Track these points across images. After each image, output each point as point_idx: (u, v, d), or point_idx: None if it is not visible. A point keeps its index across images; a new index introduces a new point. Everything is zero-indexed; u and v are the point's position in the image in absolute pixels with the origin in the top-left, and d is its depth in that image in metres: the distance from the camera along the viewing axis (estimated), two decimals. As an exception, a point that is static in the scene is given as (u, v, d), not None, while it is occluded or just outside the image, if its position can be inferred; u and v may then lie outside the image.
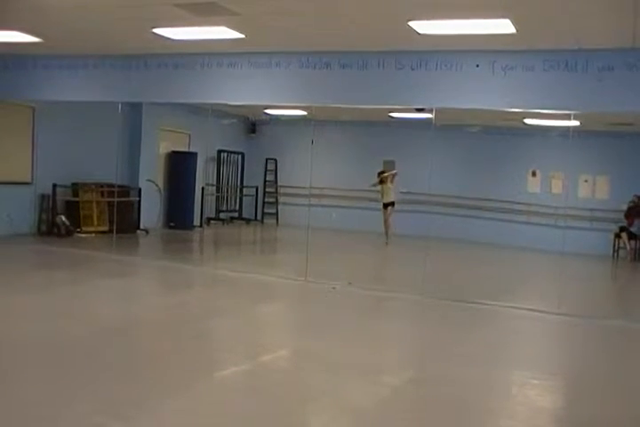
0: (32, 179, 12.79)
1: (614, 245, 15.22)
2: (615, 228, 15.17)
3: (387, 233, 15.04)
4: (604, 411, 4.96)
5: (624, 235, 14.98)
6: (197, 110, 13.87)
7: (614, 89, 7.81)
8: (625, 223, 14.99)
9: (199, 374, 5.22)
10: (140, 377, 5.00)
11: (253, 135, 19.10)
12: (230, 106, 12.86)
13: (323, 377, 5.36)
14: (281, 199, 18.60)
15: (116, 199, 12.89)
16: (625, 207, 15.05)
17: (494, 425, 4.64)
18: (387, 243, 14.95)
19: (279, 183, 18.68)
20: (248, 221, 18.56)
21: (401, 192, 15.64)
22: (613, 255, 15.21)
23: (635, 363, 6.48)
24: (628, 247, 15.01)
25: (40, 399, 4.39)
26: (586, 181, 15.74)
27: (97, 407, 4.29)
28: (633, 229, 14.96)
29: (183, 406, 4.47)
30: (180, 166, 15.89)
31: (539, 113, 9.67)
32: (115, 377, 4.94)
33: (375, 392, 5.05)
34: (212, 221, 17.09)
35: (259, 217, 18.91)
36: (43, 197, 12.93)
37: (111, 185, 13.20)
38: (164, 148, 15.85)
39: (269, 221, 18.78)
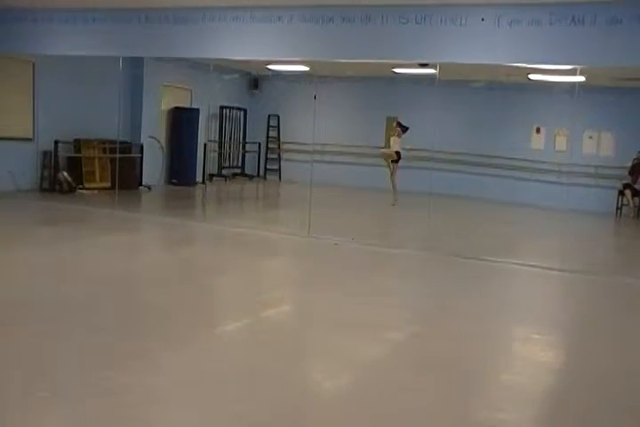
0: (33, 135, 12.72)
1: (618, 202, 15.19)
2: (619, 185, 15.13)
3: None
4: (605, 365, 5.01)
5: (628, 192, 14.91)
6: (199, 66, 13.69)
7: (622, 42, 7.68)
8: (629, 180, 14.93)
9: (202, 328, 5.26)
10: (143, 332, 5.05)
11: (256, 91, 18.90)
12: (232, 61, 12.71)
13: (325, 332, 5.40)
14: (284, 155, 18.53)
15: (118, 155, 12.86)
16: (629, 164, 14.98)
17: (496, 380, 4.69)
18: (393, 204, 14.25)
19: (282, 139, 18.59)
20: (250, 177, 18.52)
21: (403, 149, 15.54)
22: (617, 212, 15.18)
23: (637, 318, 6.52)
24: (632, 204, 14.97)
25: (47, 354, 4.43)
26: (590, 137, 15.62)
27: (103, 361, 4.33)
28: (637, 186, 14.90)
29: (187, 359, 4.52)
30: (182, 122, 15.77)
31: (544, 69, 9.56)
32: (118, 332, 4.98)
33: (378, 347, 5.10)
34: (214, 178, 17.05)
35: (261, 173, 18.87)
36: (45, 153, 12.87)
37: (113, 141, 13.13)
38: (166, 104, 15.73)
39: (272, 177, 18.73)
